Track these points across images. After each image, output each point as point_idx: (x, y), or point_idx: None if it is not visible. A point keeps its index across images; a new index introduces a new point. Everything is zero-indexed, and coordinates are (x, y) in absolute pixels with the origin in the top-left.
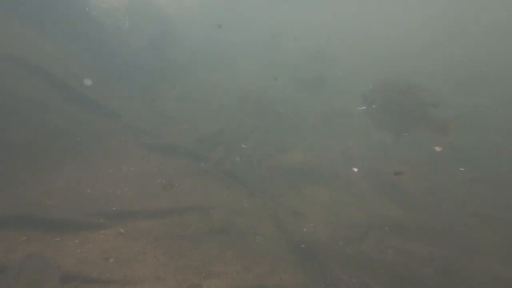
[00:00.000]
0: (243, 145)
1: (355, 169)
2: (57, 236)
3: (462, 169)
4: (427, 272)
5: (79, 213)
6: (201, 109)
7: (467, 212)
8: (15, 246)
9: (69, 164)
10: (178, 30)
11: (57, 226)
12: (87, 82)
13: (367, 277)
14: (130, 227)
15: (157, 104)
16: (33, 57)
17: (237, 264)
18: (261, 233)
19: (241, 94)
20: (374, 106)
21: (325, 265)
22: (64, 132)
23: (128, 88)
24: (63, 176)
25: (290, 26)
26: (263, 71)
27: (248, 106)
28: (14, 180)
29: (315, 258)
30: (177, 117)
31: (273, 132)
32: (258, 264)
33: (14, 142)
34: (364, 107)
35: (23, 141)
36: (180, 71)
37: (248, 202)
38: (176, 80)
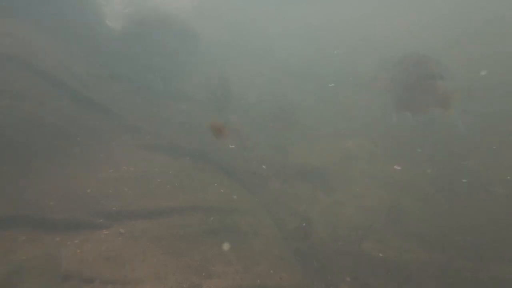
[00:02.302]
0: (230, 146)
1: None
2: (57, 236)
3: (464, 180)
4: (427, 272)
5: (79, 213)
6: (202, 109)
7: (469, 211)
8: (15, 246)
9: (69, 164)
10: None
11: (57, 226)
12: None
13: (367, 277)
14: (130, 227)
15: (158, 104)
16: (33, 58)
17: (237, 264)
18: (261, 233)
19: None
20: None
21: (325, 265)
22: (64, 132)
23: (129, 88)
24: (63, 176)
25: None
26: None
27: (250, 104)
28: (14, 180)
29: (315, 258)
30: (178, 117)
31: (273, 132)
32: (258, 264)
33: (14, 142)
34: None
35: (23, 141)
36: (185, 71)
37: (248, 202)
38: (177, 79)
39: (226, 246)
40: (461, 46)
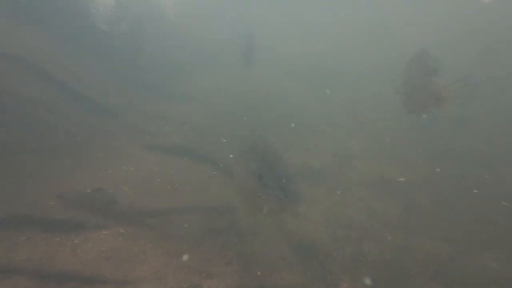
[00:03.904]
0: (223, 139)
1: None
2: (57, 236)
3: (475, 191)
4: (427, 272)
5: (79, 213)
6: (201, 109)
7: (469, 211)
8: (15, 246)
9: (69, 164)
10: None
11: (57, 226)
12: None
13: (367, 277)
14: (130, 227)
15: (158, 104)
16: (32, 57)
17: (237, 264)
18: (261, 233)
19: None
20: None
21: (325, 265)
22: (64, 132)
23: (129, 88)
24: (63, 176)
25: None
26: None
27: (248, 102)
28: (14, 180)
29: (315, 258)
30: (178, 117)
31: (273, 132)
32: (258, 264)
33: (13, 142)
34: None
35: (23, 141)
36: (183, 71)
37: (248, 202)
38: (177, 80)
39: (226, 246)
40: (461, 44)
